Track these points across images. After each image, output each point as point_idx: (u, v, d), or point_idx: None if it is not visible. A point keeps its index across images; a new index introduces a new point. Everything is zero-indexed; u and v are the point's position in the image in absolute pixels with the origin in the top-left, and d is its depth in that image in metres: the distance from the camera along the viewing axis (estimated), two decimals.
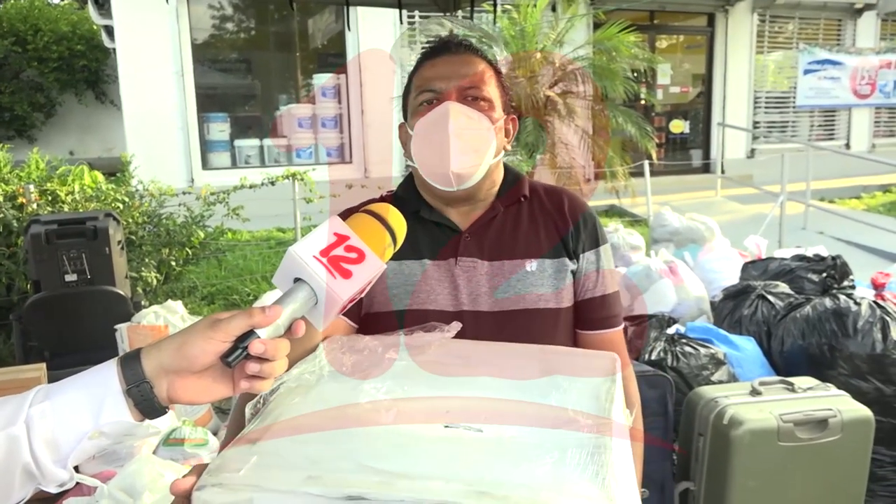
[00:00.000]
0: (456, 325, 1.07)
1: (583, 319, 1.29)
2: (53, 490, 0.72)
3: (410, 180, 1.34)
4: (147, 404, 0.73)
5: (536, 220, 1.29)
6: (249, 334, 0.75)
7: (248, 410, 0.86)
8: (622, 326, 1.34)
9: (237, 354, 0.74)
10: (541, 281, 1.24)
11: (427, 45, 1.31)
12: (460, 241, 1.26)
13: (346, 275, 0.80)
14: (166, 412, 0.76)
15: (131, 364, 0.73)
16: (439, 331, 1.05)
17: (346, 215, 1.25)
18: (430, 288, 1.23)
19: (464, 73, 1.22)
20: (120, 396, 0.72)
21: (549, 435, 0.78)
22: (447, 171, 1.19)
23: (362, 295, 0.85)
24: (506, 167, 1.34)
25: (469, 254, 1.24)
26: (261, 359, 0.76)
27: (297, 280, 0.80)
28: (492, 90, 1.25)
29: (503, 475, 0.70)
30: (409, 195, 1.31)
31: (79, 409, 0.71)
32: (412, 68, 1.30)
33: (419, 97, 1.24)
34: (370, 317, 1.24)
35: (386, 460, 0.72)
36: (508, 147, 1.31)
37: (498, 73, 1.29)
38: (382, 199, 1.30)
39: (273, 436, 0.78)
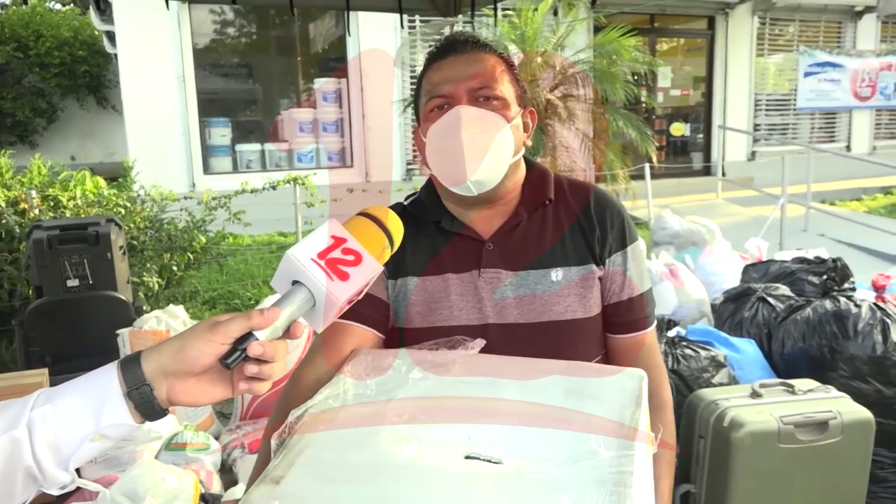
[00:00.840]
0: (479, 342, 1.06)
1: (611, 323, 1.25)
2: (55, 492, 0.73)
3: (431, 184, 1.30)
4: (147, 406, 0.74)
5: (561, 224, 1.24)
6: (248, 336, 0.76)
7: (273, 441, 0.86)
8: (653, 326, 1.29)
9: (236, 356, 0.75)
10: (567, 290, 1.19)
11: (432, 47, 1.26)
12: (482, 251, 1.21)
13: (344, 277, 0.81)
14: (167, 414, 0.77)
15: (131, 367, 0.74)
16: (463, 347, 1.04)
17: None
18: (453, 303, 1.19)
19: (473, 73, 1.17)
20: (120, 399, 0.73)
21: (569, 470, 0.77)
22: (463, 177, 1.15)
23: (360, 296, 0.85)
24: (528, 163, 1.29)
25: (492, 264, 1.20)
26: (260, 360, 0.76)
27: (294, 283, 0.81)
28: (505, 87, 1.19)
29: None
30: (430, 200, 1.28)
31: (80, 412, 0.72)
32: (420, 71, 1.26)
33: (429, 102, 1.19)
34: (396, 332, 1.22)
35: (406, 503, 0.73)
36: (528, 143, 1.26)
37: (510, 65, 1.23)
38: (403, 206, 1.28)
39: (296, 475, 0.78)
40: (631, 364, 1.19)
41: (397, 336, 1.20)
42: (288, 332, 0.80)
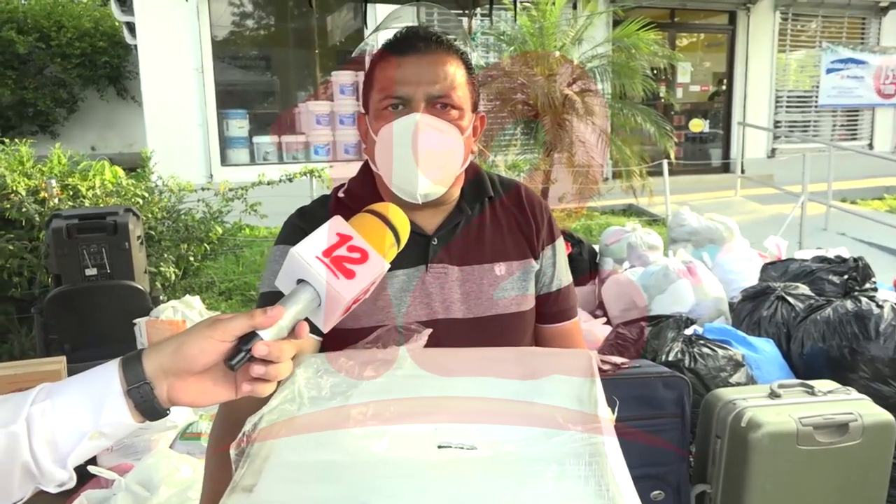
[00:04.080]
0: (426, 332, 1.05)
1: (542, 314, 1.28)
2: (52, 490, 0.71)
3: (367, 176, 1.25)
4: (147, 406, 0.72)
5: (499, 220, 1.25)
6: (252, 337, 0.74)
7: (232, 451, 0.82)
8: (578, 317, 1.34)
9: (240, 357, 0.73)
10: (510, 284, 1.22)
11: (392, 38, 1.18)
12: (429, 246, 1.19)
13: (350, 275, 0.79)
14: (167, 414, 0.75)
15: (132, 365, 0.73)
16: (412, 340, 1.03)
17: (302, 214, 1.24)
18: (399, 300, 1.17)
19: (434, 79, 1.12)
20: (121, 397, 0.72)
21: (543, 447, 0.77)
22: (413, 191, 1.12)
23: (366, 295, 0.84)
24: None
25: (439, 260, 1.19)
26: (266, 361, 0.75)
27: (300, 281, 0.79)
28: (463, 94, 1.15)
29: (510, 500, 0.69)
30: (367, 191, 1.22)
31: (79, 409, 0.70)
32: (374, 57, 1.19)
33: (384, 100, 1.13)
34: (336, 333, 1.15)
35: (389, 496, 0.71)
36: (475, 149, 1.24)
37: (469, 67, 1.19)
38: (337, 197, 1.25)
39: (268, 481, 0.75)
40: None
41: (337, 340, 1.12)
42: (293, 332, 0.78)
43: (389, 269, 1.15)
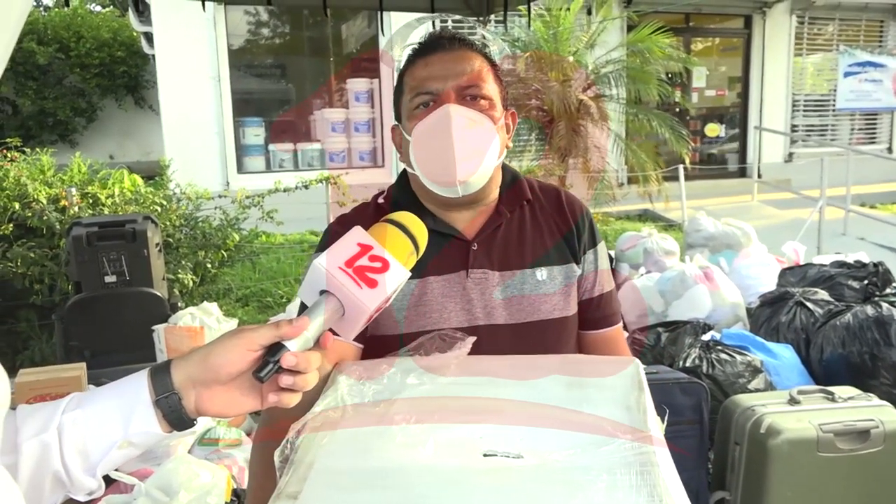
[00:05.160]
0: (471, 339, 1.04)
1: (584, 320, 1.26)
2: (82, 498, 0.72)
3: (405, 182, 1.25)
4: (175, 416, 0.73)
5: (539, 224, 1.24)
6: (279, 348, 0.74)
7: (276, 458, 0.82)
8: (621, 323, 1.32)
9: (269, 369, 0.74)
10: (552, 289, 1.20)
11: (418, 43, 1.21)
12: (469, 251, 1.18)
13: (372, 284, 0.80)
14: (194, 424, 0.76)
15: (161, 375, 0.74)
16: (455, 348, 1.02)
17: (343, 221, 1.24)
18: (441, 305, 1.16)
19: (461, 71, 1.14)
20: (149, 407, 0.72)
21: (592, 456, 0.75)
22: (453, 179, 1.12)
23: (388, 304, 0.84)
24: (502, 166, 1.26)
25: (479, 265, 1.18)
26: (293, 371, 0.75)
27: (322, 292, 0.80)
28: (490, 87, 1.17)
29: None
30: (406, 199, 1.22)
31: (109, 419, 0.71)
32: (402, 67, 1.21)
33: (415, 99, 1.15)
34: (377, 340, 1.16)
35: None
36: (510, 144, 1.24)
37: (494, 66, 1.21)
38: (378, 204, 1.25)
39: (313, 488, 0.75)
40: None
41: (378, 348, 1.13)
42: (317, 343, 0.78)
43: (430, 275, 1.17)
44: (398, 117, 1.22)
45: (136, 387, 0.73)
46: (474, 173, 1.13)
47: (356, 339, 1.14)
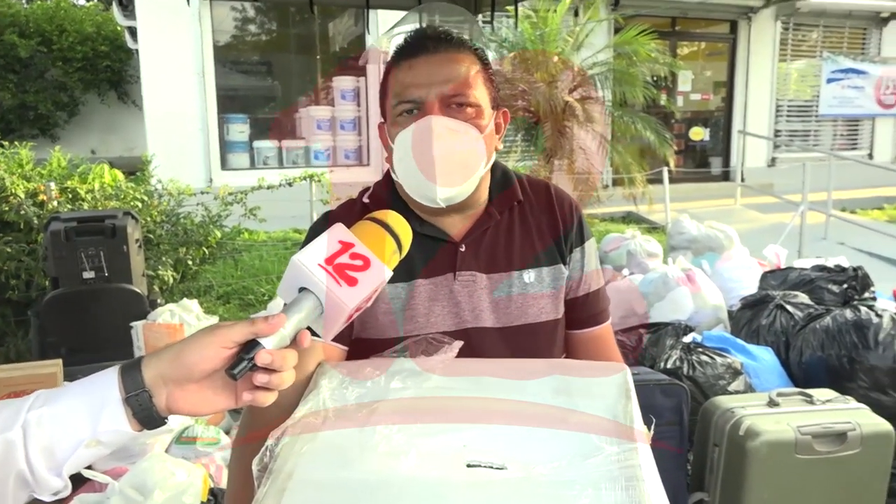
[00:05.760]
0: (458, 344, 1.02)
1: (569, 319, 1.24)
2: (47, 498, 0.70)
3: (390, 181, 1.21)
4: (145, 414, 0.71)
5: (529, 225, 1.21)
6: (254, 345, 0.73)
7: (255, 466, 0.80)
8: (610, 321, 1.29)
9: (243, 366, 0.72)
10: (540, 292, 1.18)
11: (402, 42, 1.16)
12: (456, 253, 1.16)
13: (352, 282, 0.78)
14: (165, 423, 0.74)
15: (131, 372, 0.72)
16: (442, 351, 1.01)
17: (329, 218, 1.21)
18: (428, 309, 1.14)
19: (446, 78, 1.09)
20: (119, 405, 0.70)
21: (577, 469, 0.74)
22: (433, 195, 1.09)
23: (368, 303, 0.83)
24: (493, 164, 1.22)
25: (467, 267, 1.16)
26: (268, 370, 0.73)
27: (302, 289, 0.78)
28: (479, 91, 1.12)
29: None
30: (390, 198, 1.19)
31: (77, 417, 0.69)
32: (387, 66, 1.17)
33: (398, 106, 1.11)
34: (363, 343, 1.14)
35: None
36: (500, 146, 1.20)
37: (485, 64, 1.16)
38: (364, 203, 1.22)
39: (291, 501, 0.73)
40: (592, 359, 1.20)
41: (364, 350, 1.11)
42: (294, 341, 0.77)
43: (416, 278, 1.14)
44: (383, 115, 1.19)
45: (105, 384, 0.71)
46: (457, 189, 1.10)
47: (341, 342, 1.13)
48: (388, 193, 1.21)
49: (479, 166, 1.12)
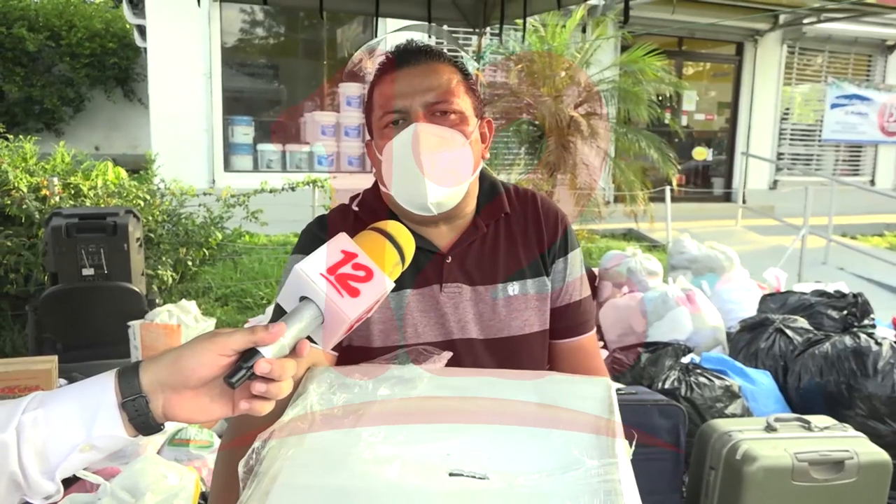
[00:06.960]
0: (447, 354, 1.02)
1: (553, 329, 1.24)
2: (39, 502, 0.69)
3: (378, 191, 1.22)
4: (141, 420, 0.70)
5: (515, 237, 1.22)
6: (253, 354, 0.72)
7: (240, 468, 0.79)
8: (593, 332, 1.29)
9: (241, 375, 0.71)
10: (524, 304, 1.19)
11: (383, 59, 1.18)
12: (443, 265, 1.17)
13: (354, 293, 0.78)
14: (161, 429, 0.73)
15: (129, 376, 0.71)
16: (430, 361, 1.01)
17: (322, 223, 1.21)
18: (415, 320, 1.15)
19: (428, 87, 1.11)
20: (115, 410, 0.69)
21: (558, 481, 0.75)
22: (425, 201, 1.10)
23: (369, 314, 0.82)
24: (480, 174, 1.23)
25: (453, 279, 1.17)
26: (266, 379, 0.73)
27: (302, 298, 0.78)
28: (462, 100, 1.14)
29: None
30: (379, 206, 1.20)
31: (72, 420, 0.68)
32: (371, 83, 1.19)
33: (383, 118, 1.13)
34: (352, 351, 1.15)
35: None
36: (486, 155, 1.21)
37: (466, 75, 1.18)
38: (354, 211, 1.22)
39: (278, 503, 0.72)
40: (574, 370, 1.20)
41: (352, 357, 1.12)
42: (293, 351, 0.76)
43: (404, 289, 1.15)
44: (370, 132, 1.20)
45: (101, 388, 0.70)
46: (445, 192, 1.11)
47: (332, 348, 1.13)
48: (377, 201, 1.22)
49: (467, 172, 1.13)
